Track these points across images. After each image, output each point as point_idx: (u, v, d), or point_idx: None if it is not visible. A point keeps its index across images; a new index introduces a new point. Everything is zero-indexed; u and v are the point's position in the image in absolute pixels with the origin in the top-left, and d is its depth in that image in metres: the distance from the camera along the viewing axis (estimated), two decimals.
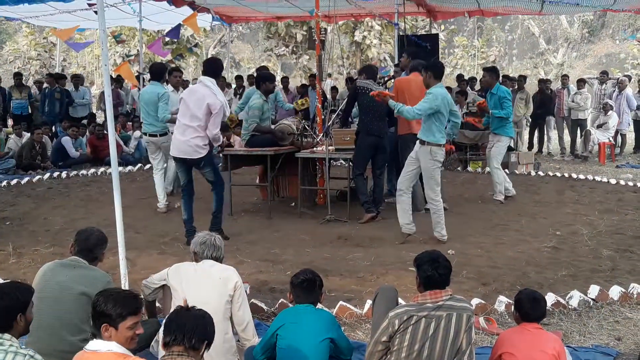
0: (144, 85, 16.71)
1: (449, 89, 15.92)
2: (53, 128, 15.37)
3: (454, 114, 7.90)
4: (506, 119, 9.82)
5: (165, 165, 9.64)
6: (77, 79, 16.78)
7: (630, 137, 17.46)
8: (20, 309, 3.31)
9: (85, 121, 15.66)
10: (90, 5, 13.62)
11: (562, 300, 5.70)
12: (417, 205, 9.14)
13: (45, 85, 16.23)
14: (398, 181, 7.95)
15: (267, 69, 11.15)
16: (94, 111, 17.32)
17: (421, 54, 10.63)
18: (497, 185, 10.03)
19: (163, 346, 3.19)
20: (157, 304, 4.92)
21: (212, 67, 7.68)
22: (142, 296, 4.60)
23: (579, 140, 16.33)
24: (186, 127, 7.43)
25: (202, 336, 3.16)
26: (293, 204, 9.65)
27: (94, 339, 3.30)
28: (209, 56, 38.65)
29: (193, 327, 3.14)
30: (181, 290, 4.22)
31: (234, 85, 17.38)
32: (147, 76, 18.45)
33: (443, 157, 7.75)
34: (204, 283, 4.25)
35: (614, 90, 16.69)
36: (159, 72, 9.52)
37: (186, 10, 14.78)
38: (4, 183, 11.70)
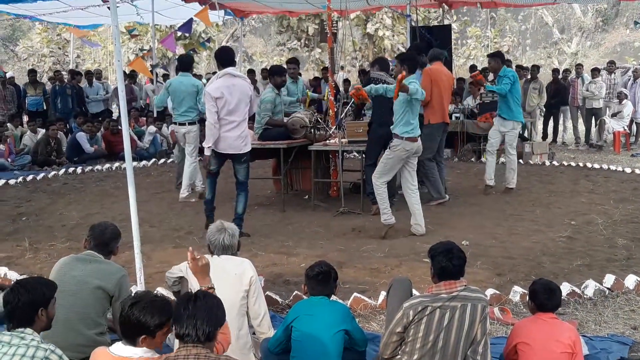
0: (157, 80, 16.81)
1: (462, 79, 15.96)
2: (67, 124, 15.44)
3: None
4: (514, 103, 9.63)
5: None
6: (90, 75, 16.86)
7: None
8: (43, 304, 3.35)
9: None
10: (104, 1, 13.67)
11: (577, 290, 5.69)
12: (434, 195, 9.20)
13: (56, 82, 16.29)
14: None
15: (296, 61, 11.05)
16: (111, 107, 17.38)
17: (424, 46, 10.64)
18: (512, 171, 9.91)
19: (177, 337, 3.18)
20: None
21: (229, 56, 7.67)
22: (160, 293, 4.62)
23: (593, 129, 16.23)
24: (237, 123, 7.44)
25: (214, 326, 3.12)
26: (306, 196, 9.66)
27: (119, 342, 3.29)
28: None
29: (203, 320, 3.07)
30: (197, 286, 4.22)
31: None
32: (161, 70, 18.53)
33: (404, 151, 7.51)
34: (219, 278, 4.23)
35: (629, 79, 16.58)
36: (188, 64, 9.98)
37: (198, 5, 14.79)
38: (20, 179, 11.78)
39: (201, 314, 3.09)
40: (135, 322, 3.19)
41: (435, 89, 9.02)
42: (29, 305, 3.30)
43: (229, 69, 7.45)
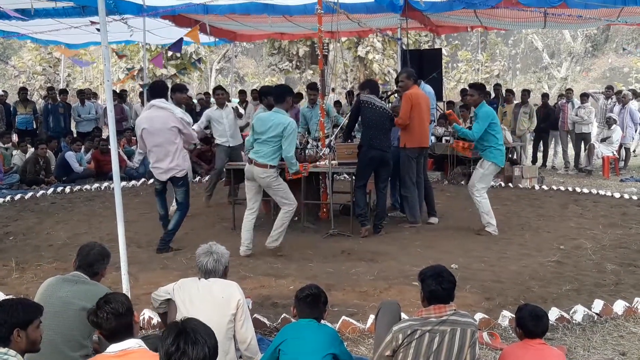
0: (148, 100, 16.77)
1: (451, 103, 16.03)
2: (59, 143, 15.37)
3: None
4: (488, 143, 8.75)
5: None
6: (82, 95, 16.84)
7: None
8: (18, 325, 3.31)
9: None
10: (92, 22, 13.63)
11: (566, 315, 5.67)
12: (409, 218, 9.23)
13: (48, 100, 16.26)
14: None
15: (316, 87, 10.82)
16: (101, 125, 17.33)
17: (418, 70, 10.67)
18: (485, 215, 8.95)
19: None
20: None
21: (158, 89, 8.06)
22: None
23: (582, 154, 16.30)
24: (164, 153, 7.75)
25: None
26: (296, 218, 9.57)
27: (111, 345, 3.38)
28: (214, 71, 38.86)
29: (196, 355, 2.89)
30: (185, 309, 4.18)
31: (237, 100, 17.40)
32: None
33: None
34: (206, 301, 4.21)
35: (618, 105, 16.70)
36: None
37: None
38: (8, 198, 11.72)
39: (192, 349, 2.97)
40: (121, 322, 3.39)
41: (416, 113, 8.97)
42: (2, 324, 3.28)
43: (157, 101, 7.77)
